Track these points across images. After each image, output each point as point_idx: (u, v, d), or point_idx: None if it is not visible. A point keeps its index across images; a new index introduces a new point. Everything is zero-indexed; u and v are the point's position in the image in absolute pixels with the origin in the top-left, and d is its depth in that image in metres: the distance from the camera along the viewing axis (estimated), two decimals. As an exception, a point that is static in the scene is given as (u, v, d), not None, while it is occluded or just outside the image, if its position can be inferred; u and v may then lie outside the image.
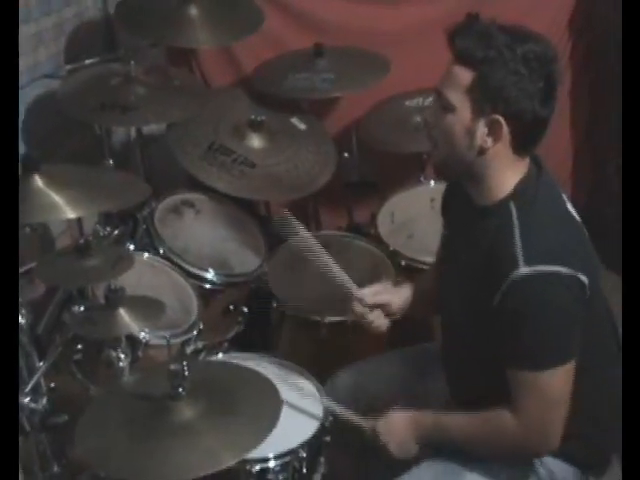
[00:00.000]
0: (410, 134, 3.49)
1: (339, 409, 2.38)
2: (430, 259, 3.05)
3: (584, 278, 2.03)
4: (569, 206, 2.19)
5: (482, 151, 2.07)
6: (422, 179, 3.51)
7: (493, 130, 2.04)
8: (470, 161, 2.10)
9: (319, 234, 3.38)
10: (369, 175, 3.66)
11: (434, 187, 3.42)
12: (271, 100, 3.46)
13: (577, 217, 2.19)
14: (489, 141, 2.06)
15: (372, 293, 2.51)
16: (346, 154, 3.51)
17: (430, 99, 3.54)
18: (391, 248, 3.20)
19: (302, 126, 3.44)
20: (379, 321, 2.48)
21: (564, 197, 2.20)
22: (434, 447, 2.27)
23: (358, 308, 2.48)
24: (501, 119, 2.02)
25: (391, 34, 3.70)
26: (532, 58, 2.00)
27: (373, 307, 2.48)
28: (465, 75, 2.03)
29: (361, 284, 2.84)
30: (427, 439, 2.25)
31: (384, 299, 2.50)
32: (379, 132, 3.60)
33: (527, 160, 2.14)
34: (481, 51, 2.01)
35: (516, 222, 2.06)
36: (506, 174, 2.11)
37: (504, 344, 2.07)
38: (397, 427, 2.28)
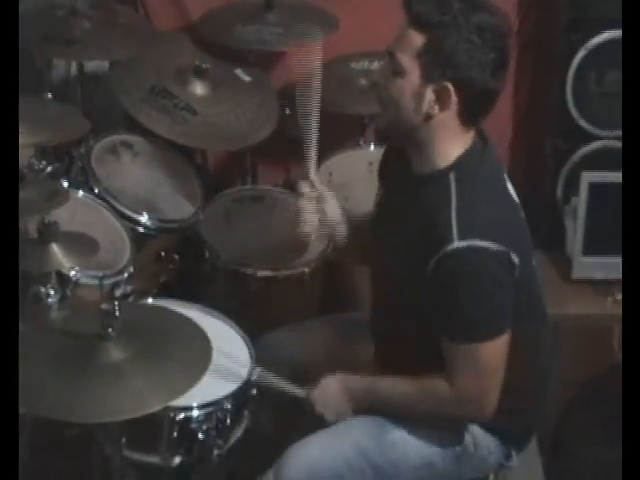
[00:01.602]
0: (354, 96, 3.46)
1: (273, 380, 2.36)
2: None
3: (515, 257, 2.05)
4: (509, 185, 2.21)
5: (428, 117, 2.07)
6: (361, 142, 3.50)
7: (441, 97, 2.04)
8: (415, 127, 2.09)
9: (255, 187, 3.38)
10: (309, 133, 3.63)
11: (373, 151, 3.41)
12: (217, 49, 3.40)
13: (515, 197, 2.21)
14: (436, 108, 2.05)
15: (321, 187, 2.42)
16: (288, 110, 3.47)
17: (377, 63, 3.54)
18: (325, 206, 3.18)
19: (246, 78, 3.39)
20: (310, 216, 2.37)
21: (505, 176, 2.22)
22: (367, 410, 2.27)
23: (304, 189, 2.39)
24: (450, 86, 2.02)
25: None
26: (486, 28, 2.00)
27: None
28: (417, 39, 2.03)
29: (295, 242, 2.84)
30: (360, 402, 2.26)
31: (327, 197, 2.42)
32: (323, 91, 3.55)
33: (472, 132, 2.14)
34: (435, 16, 2.01)
35: (454, 194, 2.06)
36: (450, 144, 2.11)
37: (438, 314, 2.09)
38: (331, 393, 2.28)
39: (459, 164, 2.10)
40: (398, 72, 2.06)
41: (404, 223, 2.17)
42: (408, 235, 2.14)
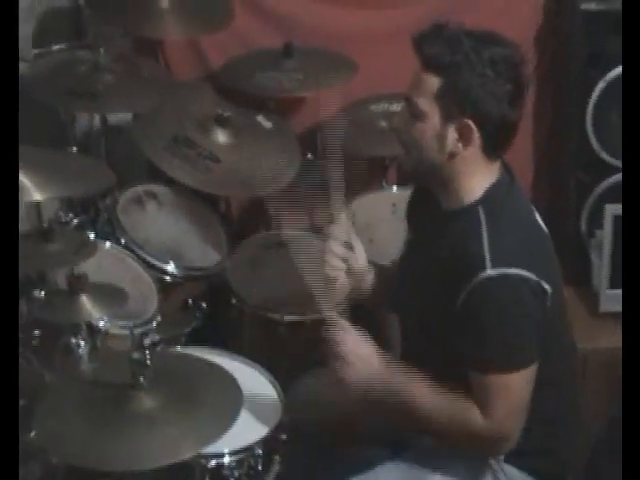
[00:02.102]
0: (374, 138, 3.48)
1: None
2: (389, 263, 3.08)
3: (547, 286, 2.06)
4: (537, 216, 2.22)
5: (453, 155, 2.09)
6: (384, 184, 3.51)
7: (463, 134, 2.07)
8: (440, 166, 2.12)
9: (280, 233, 3.39)
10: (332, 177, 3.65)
11: (396, 192, 3.44)
12: (237, 97, 3.43)
13: (544, 227, 2.22)
14: (460, 146, 2.08)
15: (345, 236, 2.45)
16: (310, 155, 3.50)
17: (396, 104, 3.56)
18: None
19: (267, 124, 3.42)
20: (336, 261, 2.41)
21: (533, 207, 2.23)
22: (380, 406, 2.22)
23: (332, 231, 2.46)
24: (471, 123, 2.05)
25: (359, 37, 3.69)
26: (499, 61, 2.03)
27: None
28: (433, 81, 2.06)
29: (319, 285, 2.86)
30: (384, 387, 2.18)
31: (355, 244, 2.44)
32: (342, 135, 3.59)
33: (497, 165, 2.16)
34: (448, 56, 2.04)
35: (484, 225, 2.08)
36: (476, 178, 2.13)
37: (468, 347, 2.08)
38: (364, 353, 2.20)
39: (487, 197, 2.12)
40: (418, 116, 2.09)
41: (433, 259, 2.17)
42: (437, 270, 2.14)
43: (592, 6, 3.48)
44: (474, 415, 2.10)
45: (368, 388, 2.17)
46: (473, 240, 2.06)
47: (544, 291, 2.06)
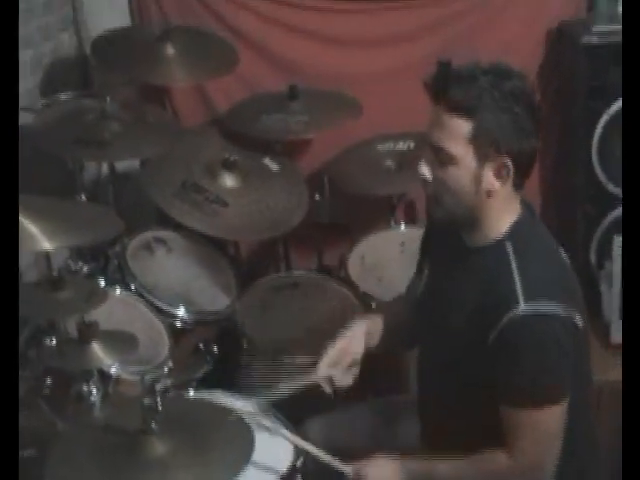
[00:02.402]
0: (381, 177, 3.51)
1: (320, 453, 2.32)
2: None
3: (579, 320, 2.06)
4: (561, 249, 2.21)
5: (489, 195, 2.08)
6: (392, 223, 3.52)
7: (500, 173, 2.06)
8: (475, 207, 2.10)
9: (289, 275, 3.40)
10: (340, 217, 3.67)
11: (404, 231, 3.46)
12: (244, 140, 3.46)
13: (567, 260, 2.21)
14: (497, 184, 2.07)
15: (329, 364, 2.46)
16: (317, 196, 3.52)
17: (401, 144, 3.59)
18: (361, 290, 3.21)
19: (275, 167, 3.45)
20: (345, 379, 2.45)
21: (556, 241, 2.22)
22: None
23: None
24: (508, 160, 2.04)
25: (363, 77, 3.74)
26: (519, 94, 2.04)
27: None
28: (463, 125, 2.03)
29: (331, 325, 2.86)
30: None
31: (346, 361, 2.46)
32: (350, 174, 3.62)
33: (519, 199, 2.16)
34: (474, 99, 2.02)
35: (513, 260, 2.07)
36: (503, 214, 2.13)
37: (499, 382, 2.07)
38: (384, 471, 2.22)
39: (513, 232, 2.12)
40: (450, 162, 2.07)
41: (461, 296, 2.16)
42: (465, 308, 2.13)
43: (593, 40, 3.50)
44: (501, 460, 2.09)
45: None
46: (503, 276, 2.06)
47: (576, 326, 2.06)
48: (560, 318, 2.03)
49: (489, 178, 2.06)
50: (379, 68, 3.77)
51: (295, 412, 2.57)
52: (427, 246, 2.41)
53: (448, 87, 2.04)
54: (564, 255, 2.21)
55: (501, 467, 2.10)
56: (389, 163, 3.51)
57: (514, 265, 2.06)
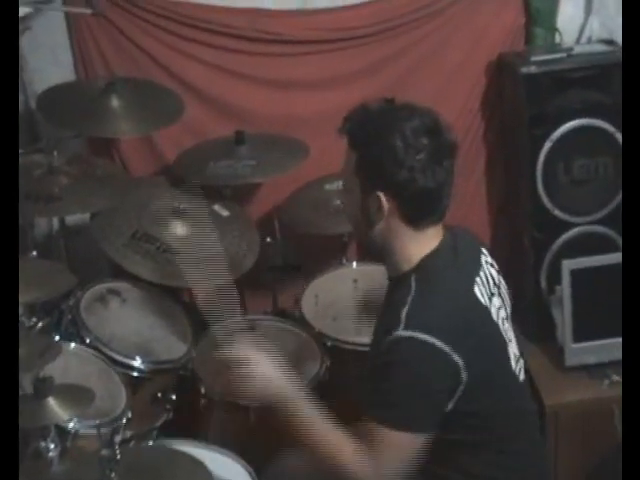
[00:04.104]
0: (330, 216, 3.54)
1: None
2: (355, 339, 3.11)
3: (458, 359, 2.08)
4: (476, 288, 2.23)
5: (372, 225, 2.19)
6: (344, 261, 3.56)
7: (378, 206, 2.15)
8: (372, 236, 2.22)
9: (245, 318, 3.42)
10: (292, 259, 3.71)
11: (356, 268, 3.49)
12: (193, 188, 3.48)
13: (482, 300, 2.22)
14: (378, 217, 2.17)
15: None
16: (269, 239, 3.55)
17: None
18: (316, 330, 3.24)
19: (225, 213, 3.47)
20: None
21: (476, 278, 2.25)
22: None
23: None
24: (381, 194, 2.13)
25: (308, 119, 3.79)
26: (409, 133, 2.10)
27: None
28: (352, 157, 2.18)
29: (287, 367, 2.87)
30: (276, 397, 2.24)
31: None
32: (300, 215, 3.66)
33: (436, 232, 2.22)
34: (360, 133, 2.15)
35: (412, 292, 2.14)
36: (409, 247, 2.20)
37: (365, 393, 2.16)
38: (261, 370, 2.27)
39: (420, 266, 2.19)
40: (347, 191, 2.24)
41: (377, 322, 2.29)
42: (375, 332, 2.25)
43: (532, 69, 3.58)
44: (347, 447, 2.13)
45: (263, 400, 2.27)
46: (398, 305, 2.12)
47: (454, 364, 2.08)
48: (435, 350, 2.06)
49: (372, 210, 2.17)
50: (326, 109, 3.81)
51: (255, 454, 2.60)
52: None
53: (348, 120, 2.19)
54: (479, 297, 2.22)
55: (345, 452, 2.13)
56: (337, 202, 3.55)
57: (410, 297, 2.13)
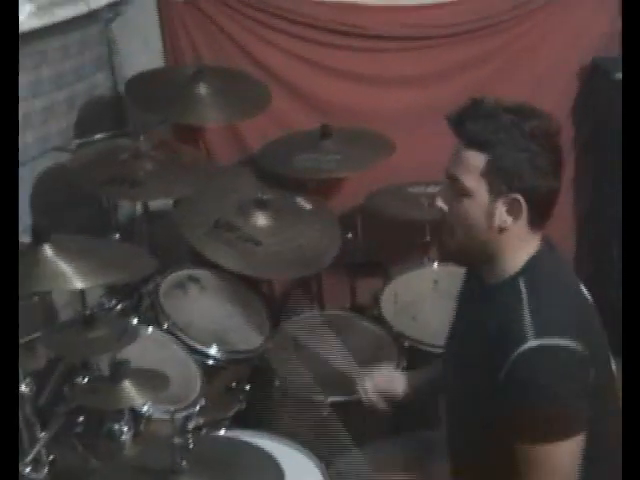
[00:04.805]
0: (415, 211, 3.49)
1: None
2: (433, 341, 3.07)
3: (587, 354, 2.01)
4: (582, 286, 2.19)
5: (501, 230, 2.08)
6: (425, 261, 3.51)
7: (512, 209, 2.06)
8: (487, 242, 2.11)
9: (322, 313, 3.40)
10: (373, 256, 3.68)
11: (437, 269, 3.44)
12: (277, 179, 3.48)
13: (589, 298, 2.19)
14: (509, 220, 2.07)
15: (373, 387, 2.58)
16: (350, 234, 3.53)
17: (432, 187, 3.58)
18: (394, 329, 3.20)
19: (307, 206, 3.45)
20: (380, 404, 2.55)
21: (576, 277, 2.20)
22: None
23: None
24: (520, 197, 2.04)
25: (395, 115, 3.75)
26: (540, 134, 2.04)
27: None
28: (478, 159, 2.05)
29: (363, 365, 2.84)
30: None
31: (384, 389, 2.56)
32: (383, 213, 3.62)
33: (539, 236, 2.15)
34: (490, 133, 2.04)
35: (525, 297, 2.05)
36: (520, 250, 2.11)
37: (511, 419, 2.05)
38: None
39: (528, 268, 2.10)
40: (464, 194, 2.08)
41: (476, 334, 2.15)
42: (480, 345, 2.12)
43: (628, 75, 3.49)
44: None
45: None
46: (514, 312, 2.04)
47: (588, 360, 2.02)
48: (569, 352, 2.00)
49: (501, 214, 2.06)
50: (412, 106, 3.79)
51: (326, 449, 2.57)
52: (460, 292, 2.39)
53: (465, 120, 2.06)
54: (585, 292, 2.18)
55: None
56: (422, 200, 3.51)
57: (525, 301, 2.05)
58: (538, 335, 1.99)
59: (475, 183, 2.06)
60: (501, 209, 2.06)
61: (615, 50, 3.79)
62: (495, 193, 2.06)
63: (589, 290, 2.29)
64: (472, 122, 2.06)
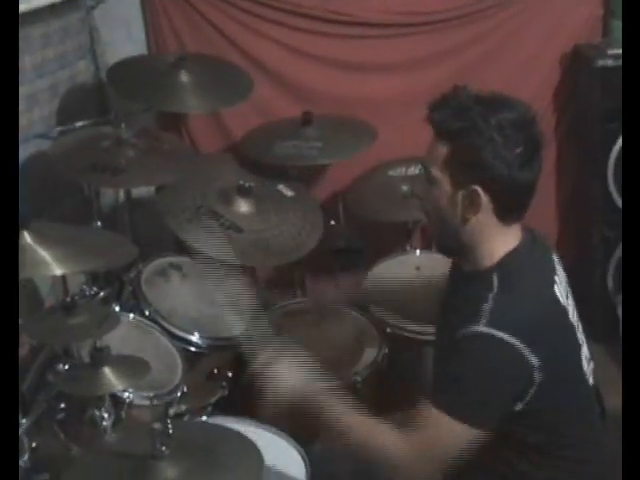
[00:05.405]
0: (396, 203, 3.53)
1: None
2: (415, 327, 3.08)
3: (535, 360, 2.02)
4: (556, 288, 2.17)
5: (465, 221, 2.10)
6: (408, 247, 3.53)
7: (472, 200, 2.07)
8: (457, 230, 2.13)
9: (304, 300, 3.40)
10: (355, 242, 3.69)
11: (420, 255, 3.45)
12: (259, 166, 3.48)
13: (561, 300, 2.17)
14: (471, 211, 2.09)
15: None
16: (333, 221, 3.54)
17: (413, 168, 3.60)
18: (377, 315, 3.21)
19: (289, 193, 3.45)
20: None
21: (555, 277, 2.19)
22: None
23: None
24: (478, 189, 2.06)
25: (377, 102, 3.76)
26: (507, 125, 2.04)
27: None
28: (442, 149, 2.08)
29: (346, 351, 2.86)
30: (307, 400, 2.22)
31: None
32: (365, 201, 3.64)
33: (517, 230, 2.16)
34: (455, 124, 2.06)
35: (494, 290, 2.08)
36: (494, 243, 2.13)
37: (436, 379, 2.14)
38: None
39: (503, 264, 2.12)
40: (432, 182, 2.12)
41: (449, 316, 2.20)
42: (449, 326, 2.15)
43: (609, 62, 3.51)
44: (395, 438, 2.08)
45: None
46: (479, 301, 2.07)
47: (531, 366, 2.03)
48: (511, 349, 2.01)
49: (463, 205, 2.09)
50: (395, 93, 3.80)
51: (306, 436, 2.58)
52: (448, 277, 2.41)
53: (435, 110, 2.09)
54: (558, 297, 2.16)
55: (393, 444, 2.08)
56: (404, 188, 3.52)
57: (493, 294, 2.07)
58: (490, 325, 2.02)
59: (439, 173, 2.10)
60: (462, 200, 2.09)
61: (597, 37, 3.81)
62: (456, 184, 2.08)
63: (572, 276, 2.30)
64: (440, 113, 2.09)
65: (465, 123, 2.04)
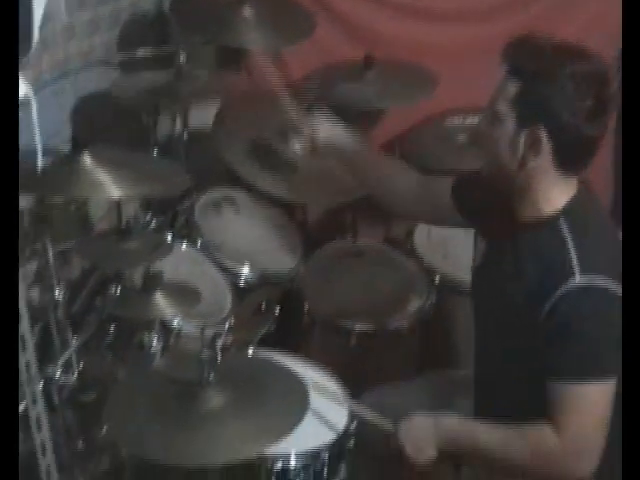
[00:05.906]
0: (451, 152, 3.48)
1: (365, 412, 2.36)
2: (463, 278, 3.06)
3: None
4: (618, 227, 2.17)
5: (523, 163, 2.08)
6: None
7: (534, 143, 2.05)
8: (513, 173, 2.11)
9: (355, 244, 3.39)
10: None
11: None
12: (318, 107, 3.45)
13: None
14: (530, 154, 2.07)
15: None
16: (389, 167, 3.50)
17: (471, 119, 3.55)
18: (425, 264, 3.20)
19: (347, 134, 3.42)
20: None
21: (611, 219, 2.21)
22: (455, 454, 2.23)
23: None
24: (542, 131, 2.04)
25: (442, 50, 3.70)
26: (580, 76, 2.01)
27: None
28: (512, 86, 2.06)
29: (392, 297, 2.85)
30: (450, 442, 2.21)
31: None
32: (421, 148, 3.60)
33: (575, 182, 2.14)
34: (530, 65, 2.04)
35: (568, 235, 2.06)
36: (552, 191, 2.11)
37: (549, 356, 2.06)
38: (417, 427, 2.25)
39: (568, 209, 2.11)
40: (496, 120, 2.10)
41: (514, 270, 2.15)
42: (520, 283, 2.12)
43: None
44: (546, 433, 2.07)
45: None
46: (559, 249, 2.05)
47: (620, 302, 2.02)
48: (613, 295, 2.01)
49: (523, 146, 2.06)
50: (461, 42, 3.73)
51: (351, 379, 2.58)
52: (482, 220, 2.38)
53: (513, 49, 2.07)
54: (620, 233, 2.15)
55: (545, 441, 2.07)
56: (461, 138, 3.48)
57: (569, 240, 2.06)
58: (584, 271, 2.01)
59: (505, 110, 2.08)
60: (523, 141, 2.06)
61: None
62: (520, 123, 2.06)
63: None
64: (517, 50, 2.07)
65: (539, 66, 2.02)
